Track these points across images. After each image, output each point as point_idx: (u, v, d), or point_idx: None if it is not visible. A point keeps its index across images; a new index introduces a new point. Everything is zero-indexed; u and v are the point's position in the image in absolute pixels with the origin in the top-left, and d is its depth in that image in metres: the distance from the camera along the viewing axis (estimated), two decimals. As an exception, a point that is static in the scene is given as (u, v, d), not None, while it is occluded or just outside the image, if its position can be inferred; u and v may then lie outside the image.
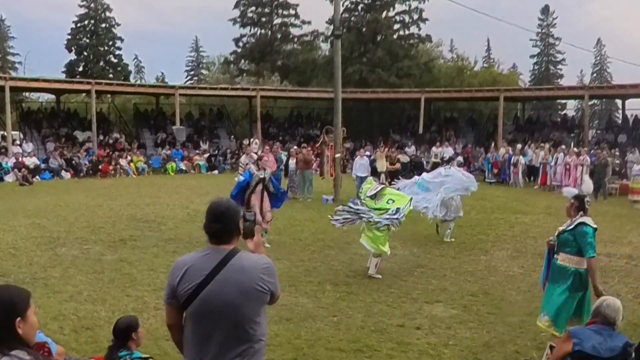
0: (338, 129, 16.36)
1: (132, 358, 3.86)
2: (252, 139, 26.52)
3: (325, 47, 41.61)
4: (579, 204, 5.20)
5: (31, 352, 2.23)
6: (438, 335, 5.93)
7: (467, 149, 28.75)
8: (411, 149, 28.26)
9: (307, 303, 6.89)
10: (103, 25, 43.19)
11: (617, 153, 22.51)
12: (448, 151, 27.10)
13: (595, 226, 5.16)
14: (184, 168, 26.66)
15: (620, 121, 30.82)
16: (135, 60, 56.44)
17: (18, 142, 25.78)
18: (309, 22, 42.37)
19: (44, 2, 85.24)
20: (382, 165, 16.51)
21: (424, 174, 11.62)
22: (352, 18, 37.45)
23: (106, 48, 43.57)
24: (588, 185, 5.27)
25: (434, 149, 27.33)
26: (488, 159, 23.84)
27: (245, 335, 2.73)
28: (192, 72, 61.87)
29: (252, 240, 2.93)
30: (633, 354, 3.69)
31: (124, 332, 3.95)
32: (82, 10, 42.77)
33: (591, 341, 3.68)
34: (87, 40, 42.89)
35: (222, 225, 2.79)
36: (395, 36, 37.71)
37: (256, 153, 17.64)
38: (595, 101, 48.52)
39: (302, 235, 11.01)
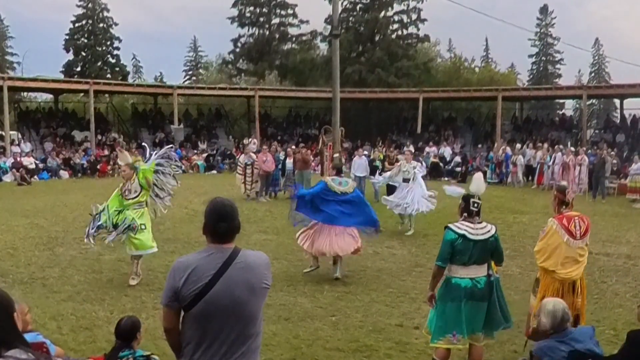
0: (336, 129, 16.38)
1: (135, 357, 3.85)
2: (250, 139, 26.53)
3: (323, 46, 41.68)
4: (464, 205, 4.78)
5: (28, 350, 2.20)
6: (436, 334, 5.90)
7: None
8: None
9: (306, 303, 6.89)
10: (101, 25, 43.11)
11: (615, 153, 22.52)
12: (446, 151, 27.16)
13: (461, 232, 4.59)
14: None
15: (618, 121, 30.92)
16: (134, 60, 56.36)
17: (16, 142, 25.76)
18: (307, 22, 42.37)
19: (43, 2, 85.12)
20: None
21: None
22: (351, 18, 37.52)
23: (104, 48, 43.48)
24: (477, 183, 4.51)
25: (427, 148, 27.34)
26: (492, 158, 23.79)
27: (250, 332, 2.75)
28: (190, 72, 61.77)
29: None
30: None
31: (129, 333, 3.93)
32: (80, 11, 42.70)
33: (560, 353, 3.62)
34: (85, 40, 42.82)
35: (229, 223, 2.77)
36: (393, 36, 37.75)
37: (255, 153, 17.63)
38: (594, 101, 48.64)
39: (300, 235, 10.98)
